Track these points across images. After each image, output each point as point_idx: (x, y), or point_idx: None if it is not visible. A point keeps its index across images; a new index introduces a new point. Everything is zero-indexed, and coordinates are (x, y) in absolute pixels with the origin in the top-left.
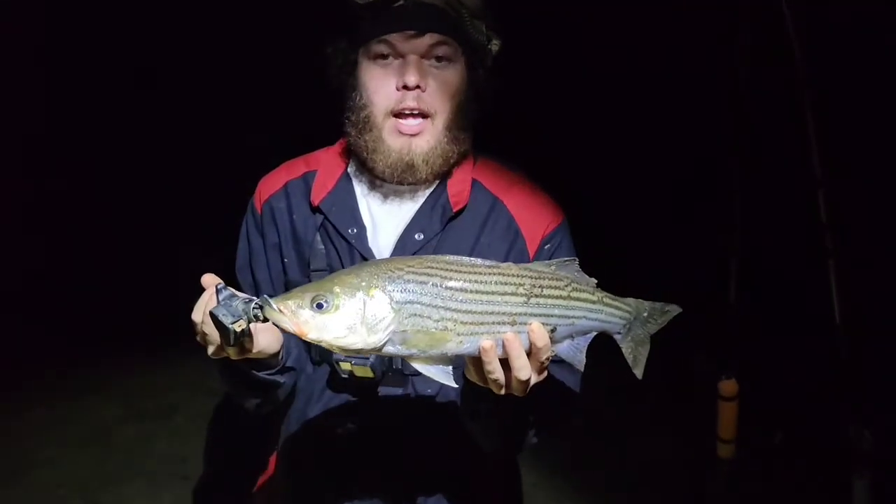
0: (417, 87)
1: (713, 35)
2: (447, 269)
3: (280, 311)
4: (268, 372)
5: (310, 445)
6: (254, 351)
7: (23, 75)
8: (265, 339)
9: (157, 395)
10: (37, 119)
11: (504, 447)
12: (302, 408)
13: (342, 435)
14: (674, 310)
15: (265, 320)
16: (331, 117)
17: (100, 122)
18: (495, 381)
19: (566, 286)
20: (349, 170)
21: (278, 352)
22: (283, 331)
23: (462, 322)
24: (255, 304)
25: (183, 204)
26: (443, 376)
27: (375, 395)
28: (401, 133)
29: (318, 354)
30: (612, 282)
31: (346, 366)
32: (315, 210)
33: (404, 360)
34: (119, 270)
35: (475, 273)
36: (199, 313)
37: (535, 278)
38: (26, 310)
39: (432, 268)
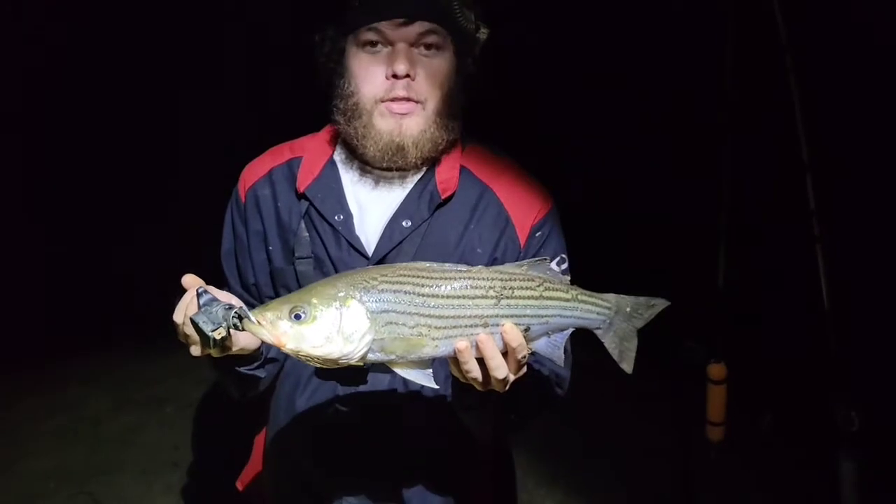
0: (407, 76)
1: (702, 22)
2: (420, 277)
3: (258, 322)
4: (248, 368)
5: (298, 430)
6: (234, 349)
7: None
8: (245, 339)
9: (146, 384)
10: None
11: (495, 433)
12: (289, 393)
13: (330, 419)
14: (660, 304)
15: (244, 329)
16: (315, 105)
17: (86, 113)
18: (475, 379)
19: (538, 286)
20: (335, 157)
21: (259, 347)
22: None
23: (436, 327)
24: (235, 312)
25: (167, 195)
26: (423, 378)
27: (363, 380)
28: (392, 114)
29: None
30: (602, 270)
31: None
32: (300, 197)
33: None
34: (106, 261)
35: (446, 279)
36: (181, 315)
37: (506, 280)
38: (13, 302)
39: (405, 276)
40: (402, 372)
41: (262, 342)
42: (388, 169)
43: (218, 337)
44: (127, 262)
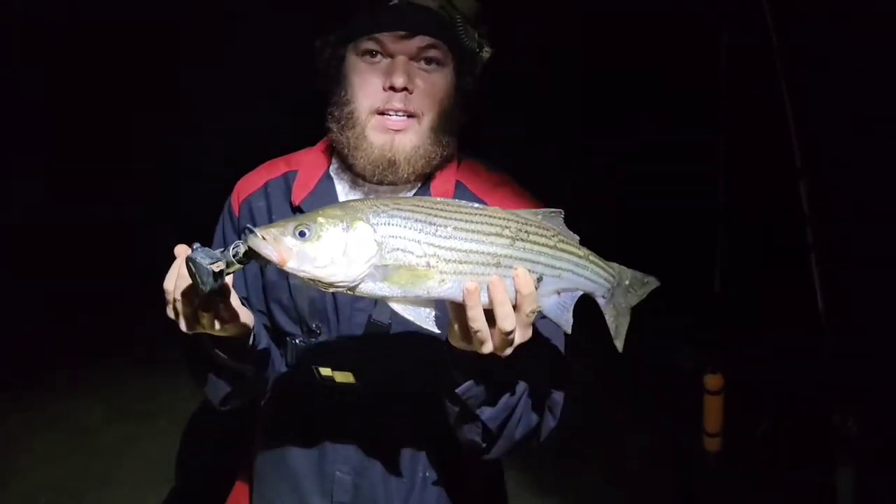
0: (405, 89)
1: (696, 30)
2: (433, 207)
3: (262, 238)
4: (236, 359)
5: (286, 449)
6: (226, 317)
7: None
8: (239, 311)
9: (140, 398)
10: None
11: (484, 437)
12: (276, 411)
13: (317, 440)
14: (652, 282)
15: (243, 260)
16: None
17: (90, 121)
18: (478, 332)
19: (553, 236)
20: (331, 169)
21: (250, 331)
22: (264, 260)
23: (445, 259)
24: (236, 244)
25: (164, 205)
26: (422, 319)
27: (354, 399)
28: (386, 129)
29: (294, 357)
30: None
31: (326, 371)
32: (296, 210)
33: (383, 301)
34: (99, 272)
35: (461, 212)
36: (172, 280)
37: (522, 223)
38: (5, 314)
39: (418, 206)
40: (400, 309)
41: (252, 328)
42: (381, 182)
43: (216, 269)
44: (121, 274)
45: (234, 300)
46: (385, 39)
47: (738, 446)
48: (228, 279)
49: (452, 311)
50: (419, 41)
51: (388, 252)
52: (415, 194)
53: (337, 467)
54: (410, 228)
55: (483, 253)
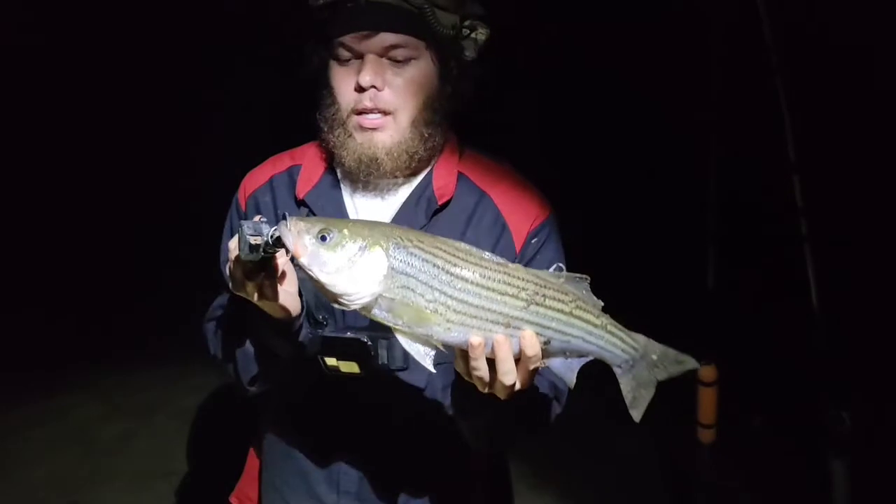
0: (373, 87)
1: (689, 22)
2: (454, 255)
3: (289, 228)
4: (272, 332)
5: (293, 439)
6: (268, 294)
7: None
8: (283, 294)
9: (138, 393)
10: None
11: (489, 445)
12: (281, 402)
13: (324, 430)
14: (689, 363)
15: (278, 244)
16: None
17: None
18: (479, 378)
19: (570, 301)
20: (334, 163)
21: (292, 318)
22: (283, 246)
23: (454, 310)
24: (276, 227)
25: (164, 201)
26: (421, 356)
27: (360, 389)
28: (363, 128)
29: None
30: (592, 273)
31: (331, 361)
32: (300, 203)
33: (391, 329)
34: (98, 268)
35: (481, 266)
36: (235, 241)
37: (540, 286)
38: (2, 309)
39: (440, 249)
40: (402, 340)
41: (299, 317)
42: (368, 177)
43: (253, 242)
44: (117, 268)
45: (287, 285)
46: (349, 41)
47: (732, 438)
48: (283, 262)
49: (458, 352)
50: (383, 38)
51: (397, 287)
52: (417, 186)
53: (344, 458)
54: (426, 272)
55: (495, 311)
